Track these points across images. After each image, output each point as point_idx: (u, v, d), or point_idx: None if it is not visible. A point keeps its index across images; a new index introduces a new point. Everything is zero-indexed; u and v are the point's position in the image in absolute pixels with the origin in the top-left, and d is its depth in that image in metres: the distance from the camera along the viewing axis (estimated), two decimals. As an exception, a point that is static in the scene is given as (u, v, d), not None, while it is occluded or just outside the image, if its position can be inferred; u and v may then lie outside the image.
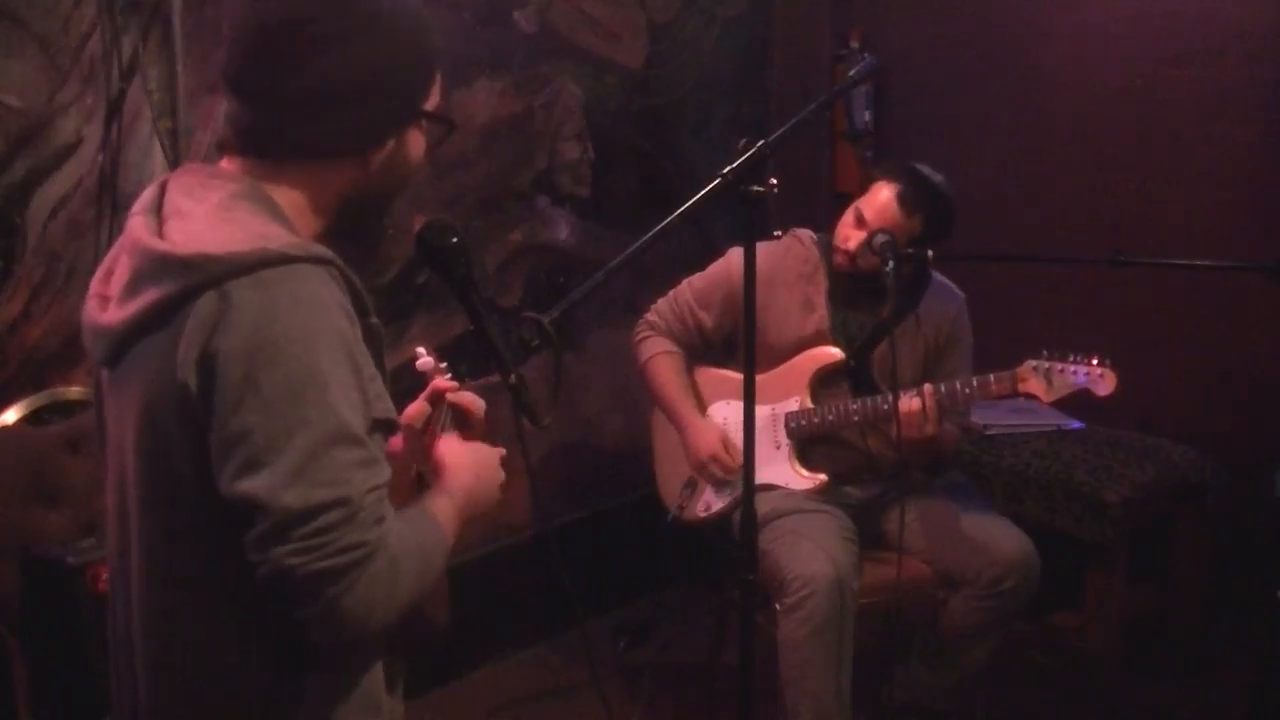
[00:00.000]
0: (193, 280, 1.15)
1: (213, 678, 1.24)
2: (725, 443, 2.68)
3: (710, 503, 2.73)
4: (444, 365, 1.64)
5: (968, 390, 2.47)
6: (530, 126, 3.25)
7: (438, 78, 1.34)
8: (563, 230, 3.38)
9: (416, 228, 1.44)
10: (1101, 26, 3.30)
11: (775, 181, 1.74)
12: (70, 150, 2.41)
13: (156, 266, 1.19)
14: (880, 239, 2.51)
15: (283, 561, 1.12)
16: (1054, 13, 3.39)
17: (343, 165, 1.30)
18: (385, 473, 1.21)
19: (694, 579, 3.63)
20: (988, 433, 3.22)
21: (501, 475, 1.48)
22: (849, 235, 2.59)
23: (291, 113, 1.25)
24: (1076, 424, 3.29)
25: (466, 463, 1.43)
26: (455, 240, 1.42)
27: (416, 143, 1.35)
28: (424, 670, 3.15)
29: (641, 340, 2.85)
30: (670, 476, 2.85)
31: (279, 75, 1.24)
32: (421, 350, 1.63)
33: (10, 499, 2.23)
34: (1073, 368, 2.38)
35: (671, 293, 2.84)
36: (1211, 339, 3.20)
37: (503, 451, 1.50)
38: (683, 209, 1.69)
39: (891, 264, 2.45)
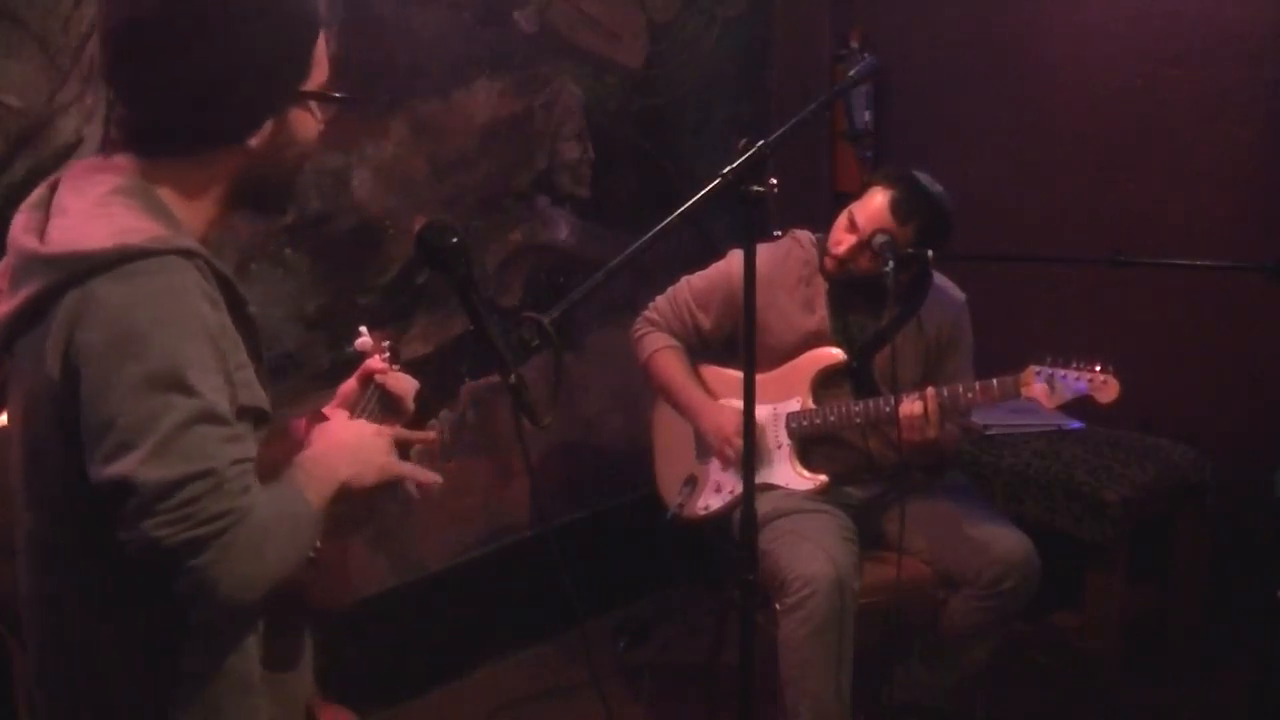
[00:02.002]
0: (57, 277, 1.19)
1: (91, 661, 1.29)
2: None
3: (709, 501, 2.73)
4: (386, 344, 1.63)
5: (970, 394, 2.47)
6: (530, 126, 3.25)
7: (315, 56, 1.34)
8: (563, 230, 3.38)
9: (416, 228, 1.44)
10: (1101, 26, 3.29)
11: (775, 181, 1.74)
12: (70, 150, 2.41)
13: (28, 265, 1.23)
14: (880, 239, 2.51)
15: (151, 534, 1.14)
16: (1054, 13, 3.39)
17: (222, 153, 1.31)
18: (251, 450, 1.24)
19: (694, 579, 3.63)
20: (988, 433, 3.22)
21: (380, 451, 1.46)
22: (841, 239, 2.59)
23: (160, 106, 1.27)
24: (1076, 424, 3.29)
25: (324, 434, 1.43)
26: (455, 240, 1.43)
27: (303, 122, 1.36)
28: (424, 670, 3.16)
29: (641, 336, 2.85)
30: (670, 474, 2.85)
31: (143, 70, 1.26)
32: (363, 329, 1.63)
33: (10, 499, 2.23)
34: (1075, 374, 2.37)
35: (671, 290, 2.84)
36: (1211, 339, 3.20)
37: (385, 430, 1.49)
38: (683, 209, 1.68)
39: (891, 264, 2.45)
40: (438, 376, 3.12)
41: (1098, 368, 2.37)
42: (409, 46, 2.94)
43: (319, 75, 1.36)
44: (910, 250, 2.50)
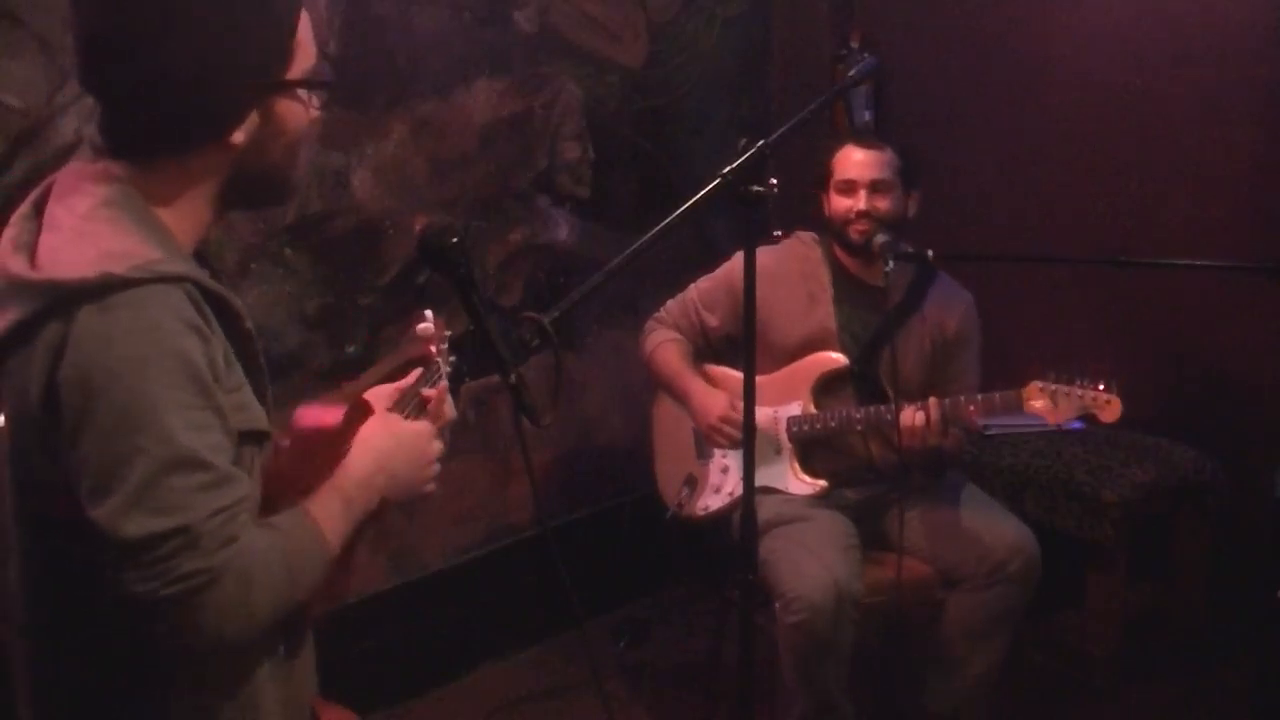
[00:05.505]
0: (41, 306, 1.16)
1: (89, 687, 1.27)
2: (734, 406, 2.64)
3: (709, 502, 2.73)
4: (447, 334, 1.61)
5: (972, 406, 2.46)
6: (530, 126, 3.25)
7: (297, 41, 1.31)
8: (563, 230, 3.38)
9: (417, 228, 1.44)
10: (1101, 26, 3.29)
11: (775, 181, 1.75)
12: (70, 150, 2.41)
13: (13, 289, 1.20)
14: (880, 239, 2.52)
15: (129, 588, 1.14)
16: (1054, 13, 3.39)
17: (205, 152, 1.28)
18: (236, 490, 1.20)
19: (694, 579, 3.63)
20: (988, 433, 3.22)
21: (430, 452, 1.45)
22: (850, 205, 2.61)
23: (137, 109, 1.25)
24: (1076, 424, 3.28)
25: (373, 449, 1.40)
26: (455, 240, 1.42)
27: (291, 111, 1.32)
28: (424, 670, 3.16)
29: (647, 334, 2.88)
30: (670, 474, 2.85)
31: (117, 73, 1.24)
32: (428, 313, 1.58)
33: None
34: (1079, 392, 2.37)
35: (680, 295, 2.87)
36: (1211, 339, 3.20)
37: (428, 428, 1.46)
38: (683, 209, 1.68)
39: (892, 265, 2.46)
40: (438, 376, 3.12)
41: (1101, 386, 2.36)
42: (409, 46, 2.94)
43: (303, 60, 1.32)
44: (910, 251, 2.51)
